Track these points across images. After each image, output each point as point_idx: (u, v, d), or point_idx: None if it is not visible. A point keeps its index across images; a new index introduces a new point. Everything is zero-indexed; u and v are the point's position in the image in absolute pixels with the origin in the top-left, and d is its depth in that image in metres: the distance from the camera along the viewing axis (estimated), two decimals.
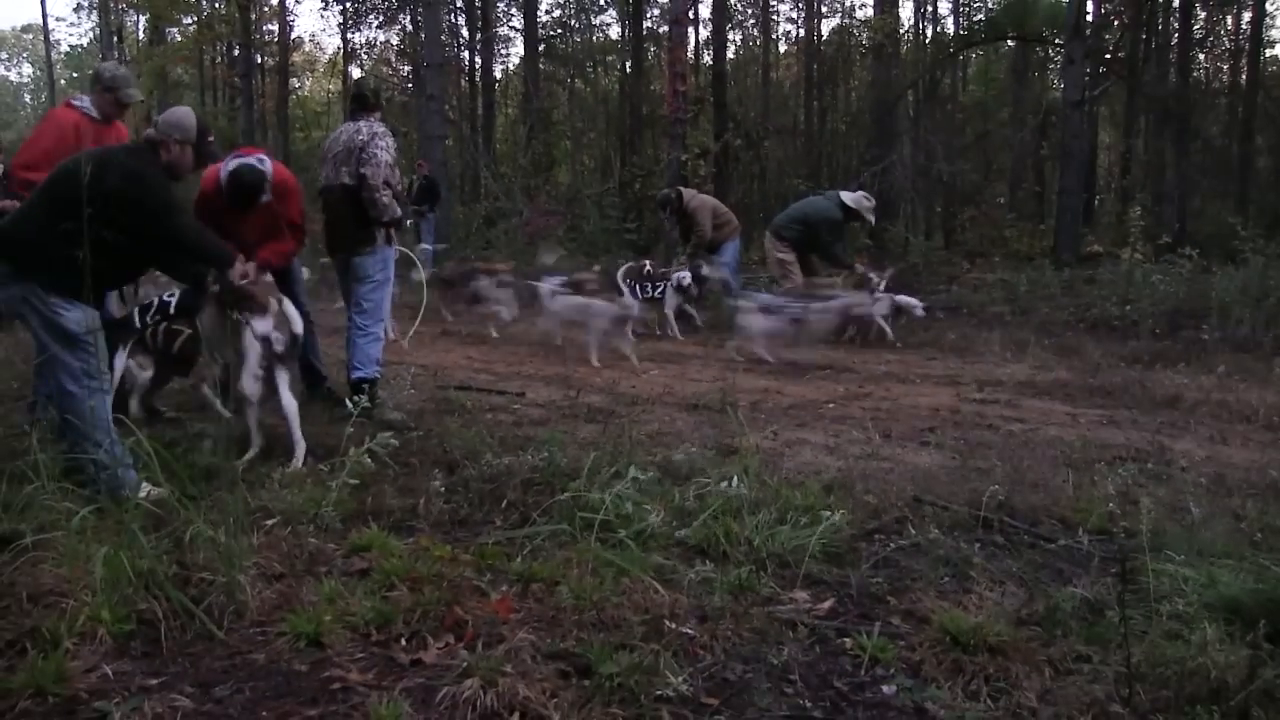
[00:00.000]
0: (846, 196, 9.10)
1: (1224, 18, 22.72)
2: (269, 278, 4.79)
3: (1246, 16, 21.28)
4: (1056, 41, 19.86)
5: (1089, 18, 17.93)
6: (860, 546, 3.34)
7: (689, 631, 2.63)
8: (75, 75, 36.12)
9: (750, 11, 27.67)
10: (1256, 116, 19.57)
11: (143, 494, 3.48)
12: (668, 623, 2.64)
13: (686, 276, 9.07)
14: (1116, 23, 20.57)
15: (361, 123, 5.36)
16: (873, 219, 9.53)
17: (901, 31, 23.85)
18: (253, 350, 4.41)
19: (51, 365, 3.73)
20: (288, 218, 5.19)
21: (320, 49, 33.72)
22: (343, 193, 5.33)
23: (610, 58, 27.69)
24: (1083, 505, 3.70)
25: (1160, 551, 2.98)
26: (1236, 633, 2.49)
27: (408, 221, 15.66)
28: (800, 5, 26.69)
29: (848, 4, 26.30)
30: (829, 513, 3.29)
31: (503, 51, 29.84)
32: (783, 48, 29.80)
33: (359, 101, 5.57)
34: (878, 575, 3.11)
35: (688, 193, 10.02)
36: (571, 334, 7.94)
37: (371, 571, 2.99)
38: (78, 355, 3.67)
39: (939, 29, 25.86)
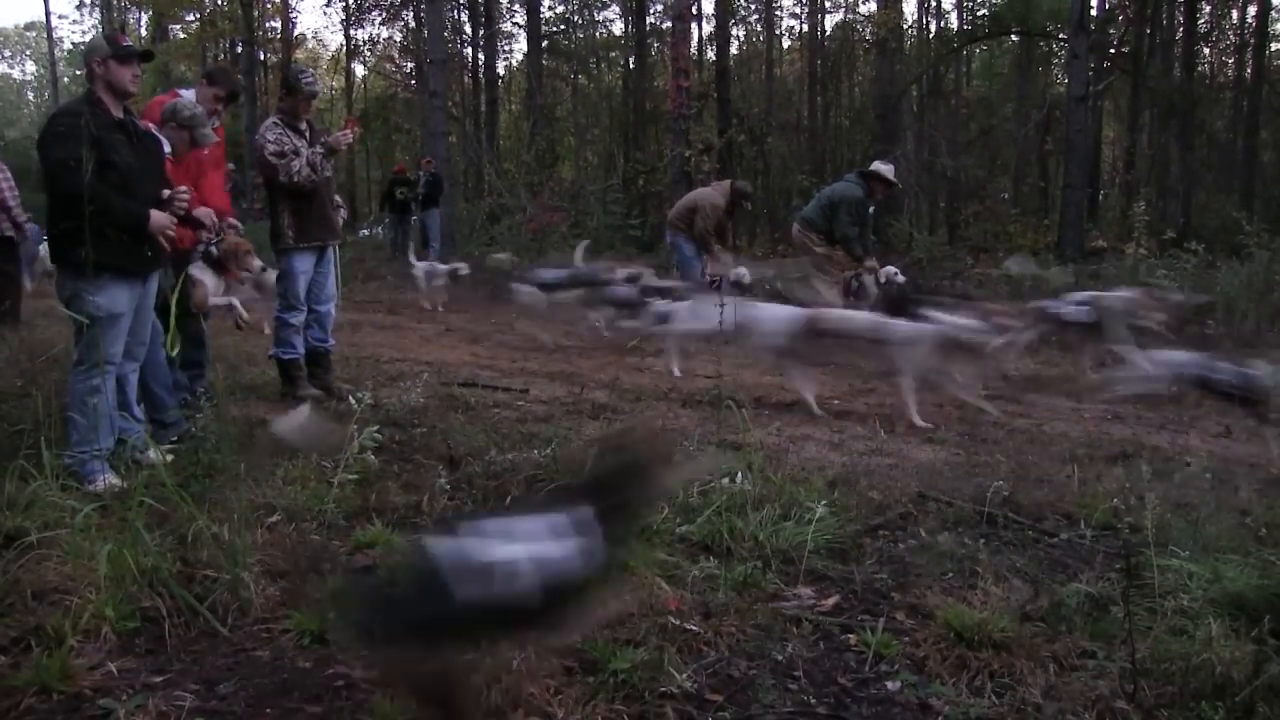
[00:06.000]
0: (874, 166, 8.84)
1: (1229, 12, 22.64)
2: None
3: (1251, 10, 21.20)
4: (1060, 36, 19.84)
5: (1093, 12, 17.90)
6: (865, 542, 3.34)
7: (693, 628, 2.62)
8: (78, 73, 36.14)
9: (754, 7, 27.62)
10: (1261, 111, 19.53)
11: (94, 486, 3.61)
12: (672, 619, 2.63)
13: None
14: (1121, 17, 20.52)
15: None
16: (895, 181, 9.35)
17: (905, 26, 23.86)
18: None
19: None
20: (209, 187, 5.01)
21: (323, 46, 33.71)
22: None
23: (613, 53, 27.71)
24: (1087, 500, 3.70)
25: (1165, 547, 2.97)
26: (1241, 628, 2.48)
27: (414, 216, 15.62)
28: (803, 0, 26.68)
29: None
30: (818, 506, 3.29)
31: (506, 48, 29.91)
32: (786, 43, 29.81)
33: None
34: (882, 571, 3.10)
35: None
36: None
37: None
38: (80, 337, 3.76)
39: (942, 24, 25.87)
